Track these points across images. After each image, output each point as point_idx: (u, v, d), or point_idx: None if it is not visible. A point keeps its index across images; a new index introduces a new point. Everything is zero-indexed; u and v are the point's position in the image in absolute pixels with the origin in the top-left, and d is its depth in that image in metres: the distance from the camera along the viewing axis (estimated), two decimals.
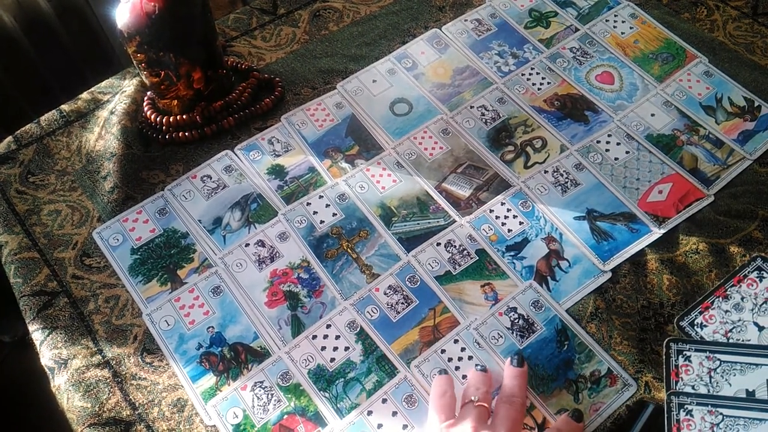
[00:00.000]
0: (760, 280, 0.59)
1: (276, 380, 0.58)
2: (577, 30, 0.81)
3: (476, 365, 0.57)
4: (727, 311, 0.59)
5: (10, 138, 0.75)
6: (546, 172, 0.70)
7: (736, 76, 0.76)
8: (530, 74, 0.77)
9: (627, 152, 0.71)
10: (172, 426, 0.56)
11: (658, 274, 0.62)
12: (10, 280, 0.66)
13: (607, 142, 0.72)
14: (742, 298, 0.59)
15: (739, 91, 0.75)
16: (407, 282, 0.63)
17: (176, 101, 0.71)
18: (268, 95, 0.75)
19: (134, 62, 0.68)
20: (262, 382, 0.58)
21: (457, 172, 0.70)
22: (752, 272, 0.60)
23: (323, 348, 0.60)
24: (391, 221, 0.67)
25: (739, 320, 0.58)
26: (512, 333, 0.60)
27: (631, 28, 0.81)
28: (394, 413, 0.56)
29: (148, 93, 0.74)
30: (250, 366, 0.59)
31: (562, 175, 0.70)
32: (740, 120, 0.73)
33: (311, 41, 0.81)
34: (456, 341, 0.59)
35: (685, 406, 0.53)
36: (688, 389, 0.54)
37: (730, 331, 0.58)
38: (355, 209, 0.68)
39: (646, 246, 0.64)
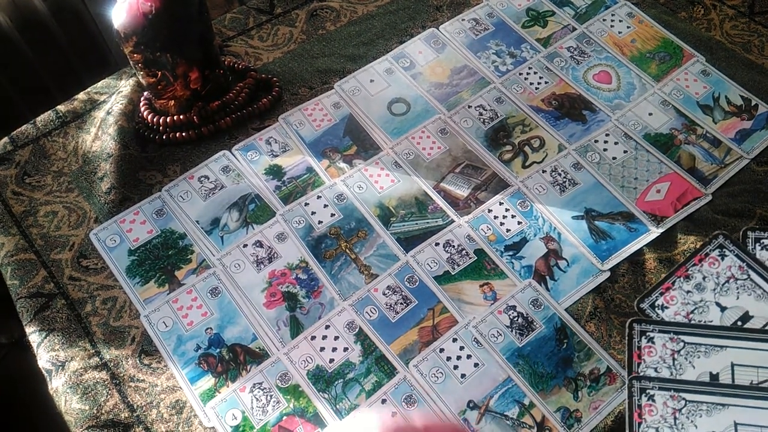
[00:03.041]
0: (722, 258, 0.58)
1: (275, 381, 0.58)
2: (574, 29, 0.81)
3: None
4: (688, 291, 0.57)
5: (6, 139, 0.74)
6: (544, 171, 0.70)
7: (733, 75, 0.76)
8: (528, 74, 0.77)
9: (625, 151, 0.71)
10: (171, 428, 0.56)
11: (656, 273, 0.62)
12: (7, 282, 0.66)
13: (605, 142, 0.72)
14: (704, 278, 0.57)
15: (736, 90, 0.75)
16: (406, 282, 0.63)
17: (173, 101, 0.71)
18: (266, 95, 0.75)
19: (131, 62, 0.68)
20: (261, 383, 0.58)
21: (455, 172, 0.70)
22: (714, 250, 0.58)
23: (322, 349, 0.59)
24: (390, 221, 0.67)
25: (701, 300, 0.57)
26: (511, 331, 0.60)
27: (628, 27, 0.81)
28: (394, 413, 0.56)
29: (145, 93, 0.74)
30: (248, 367, 0.59)
31: (560, 174, 0.70)
32: (737, 119, 0.73)
33: (308, 41, 0.81)
34: (455, 340, 0.59)
35: (647, 391, 0.51)
36: (651, 372, 0.52)
37: (692, 312, 0.56)
38: (353, 209, 0.68)
39: (644, 245, 0.64)
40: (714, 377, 0.51)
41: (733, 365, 0.52)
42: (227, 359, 0.59)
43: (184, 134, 0.72)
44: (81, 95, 0.77)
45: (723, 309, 0.56)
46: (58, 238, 0.67)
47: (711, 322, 0.55)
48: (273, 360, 0.59)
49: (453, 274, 0.63)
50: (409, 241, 0.65)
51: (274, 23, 0.83)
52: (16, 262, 0.66)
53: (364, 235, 0.66)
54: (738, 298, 0.57)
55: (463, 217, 0.67)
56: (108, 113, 0.74)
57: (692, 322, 0.55)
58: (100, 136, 0.73)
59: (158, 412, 0.57)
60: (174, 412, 0.57)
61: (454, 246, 0.65)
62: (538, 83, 0.77)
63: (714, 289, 0.57)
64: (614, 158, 0.70)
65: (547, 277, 0.63)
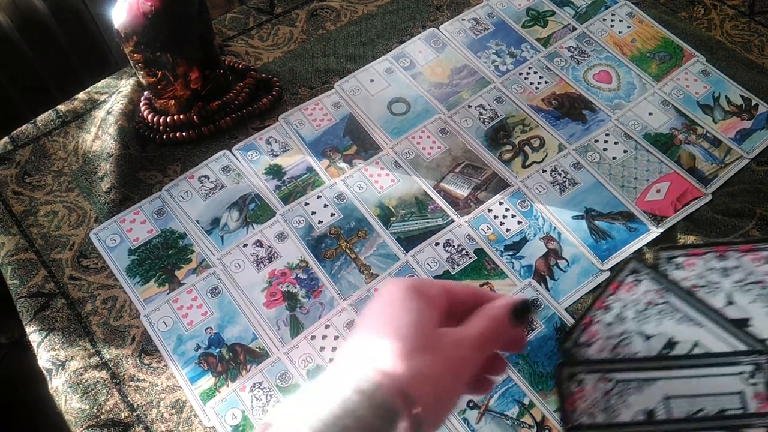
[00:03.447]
0: (637, 284, 0.53)
1: (275, 381, 0.58)
2: (574, 29, 0.81)
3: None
4: (609, 324, 0.53)
5: (6, 138, 0.74)
6: (544, 171, 0.70)
7: (733, 74, 0.76)
8: (528, 73, 0.77)
9: (625, 151, 0.71)
10: (171, 427, 0.56)
11: None
12: (7, 282, 0.66)
13: (605, 141, 0.72)
14: (624, 306, 0.53)
15: (736, 90, 0.75)
16: None
17: (173, 101, 0.71)
18: (266, 95, 0.75)
19: (131, 62, 0.68)
20: (261, 383, 0.58)
21: (455, 172, 0.70)
22: (628, 276, 0.53)
23: (322, 348, 0.59)
24: (390, 221, 0.67)
25: (623, 332, 0.52)
26: None
27: (628, 27, 0.81)
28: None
29: (145, 93, 0.74)
30: (248, 367, 0.59)
31: (560, 174, 0.70)
32: (738, 119, 0.73)
33: (308, 41, 0.81)
34: None
35: None
36: (585, 419, 0.48)
37: (617, 345, 0.52)
38: (353, 209, 0.68)
39: (644, 245, 0.64)
40: (650, 414, 0.48)
41: (668, 398, 0.49)
42: (227, 359, 0.59)
43: (184, 134, 0.72)
44: (81, 95, 0.77)
45: (647, 338, 0.53)
46: (59, 237, 0.67)
47: (638, 353, 0.51)
48: (273, 360, 0.59)
49: (453, 273, 0.63)
50: (409, 241, 0.65)
51: (275, 23, 0.83)
52: (16, 262, 0.66)
53: (364, 235, 0.66)
54: (660, 324, 0.53)
55: (463, 216, 0.67)
56: (108, 113, 0.74)
57: (619, 356, 0.51)
58: (100, 135, 0.73)
59: (158, 412, 0.57)
60: (174, 411, 0.57)
61: (454, 246, 0.65)
62: (538, 83, 0.77)
63: (635, 318, 0.54)
64: (614, 158, 0.71)
65: (547, 277, 0.63)
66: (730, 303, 0.53)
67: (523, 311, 0.36)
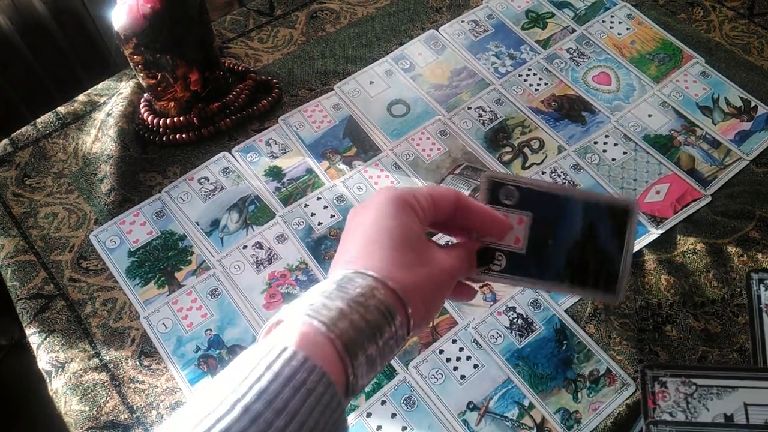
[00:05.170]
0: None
1: None
2: (573, 31, 0.81)
3: None
4: None
5: (6, 140, 0.74)
6: (544, 173, 0.70)
7: (732, 76, 0.76)
8: (527, 75, 0.77)
9: (624, 153, 0.71)
10: None
11: (656, 275, 0.62)
12: (7, 283, 0.66)
13: (605, 143, 0.72)
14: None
15: (735, 92, 0.75)
16: None
17: (173, 103, 0.71)
18: (266, 97, 0.75)
19: (131, 64, 0.68)
20: None
21: (455, 174, 0.70)
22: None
23: None
24: None
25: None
26: (511, 332, 0.60)
27: (627, 29, 0.81)
28: (393, 415, 0.56)
29: (145, 95, 0.74)
30: None
31: (559, 176, 0.70)
32: (737, 120, 0.73)
33: (308, 43, 0.81)
34: (454, 341, 0.59)
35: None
36: (666, 416, 0.52)
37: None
38: None
39: (643, 246, 0.64)
40: (729, 418, 0.52)
41: (747, 405, 0.52)
42: (227, 360, 0.59)
43: (184, 136, 0.72)
44: (81, 97, 0.77)
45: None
46: (58, 239, 0.67)
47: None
48: None
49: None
50: None
51: (274, 25, 0.83)
52: (16, 264, 0.66)
53: None
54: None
55: None
56: (108, 115, 0.74)
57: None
58: (100, 137, 0.73)
59: (158, 414, 0.57)
60: (173, 413, 0.57)
61: None
62: (538, 85, 0.77)
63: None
64: (614, 159, 0.71)
65: None
66: None
67: (483, 259, 0.41)
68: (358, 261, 0.36)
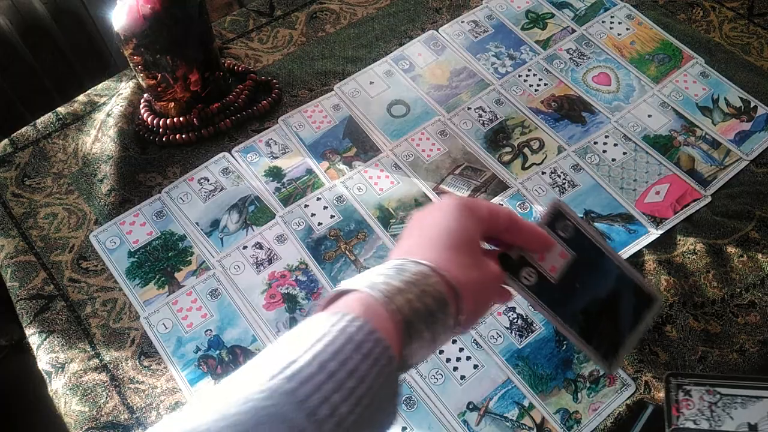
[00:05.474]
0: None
1: None
2: (573, 31, 0.82)
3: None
4: None
5: (6, 141, 0.74)
6: (543, 173, 0.70)
7: (732, 76, 0.76)
8: (527, 76, 0.77)
9: (624, 153, 0.71)
10: None
11: (656, 275, 0.62)
12: (7, 284, 0.66)
13: (605, 143, 0.72)
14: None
15: (735, 92, 0.75)
16: None
17: (173, 103, 0.71)
18: (266, 97, 0.75)
19: (131, 64, 0.68)
20: None
21: (454, 174, 0.70)
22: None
23: None
24: (389, 223, 0.67)
25: None
26: (511, 332, 0.60)
27: (627, 29, 0.81)
28: None
29: (145, 95, 0.74)
30: None
31: (559, 176, 0.70)
32: (737, 120, 0.73)
33: (308, 43, 0.81)
34: (454, 341, 0.59)
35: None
36: (690, 424, 0.52)
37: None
38: (353, 211, 0.68)
39: (643, 247, 0.64)
40: (753, 427, 0.52)
41: None
42: (227, 361, 0.59)
43: (184, 136, 0.72)
44: (81, 97, 0.77)
45: None
46: (58, 239, 0.67)
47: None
48: None
49: None
50: None
51: (274, 25, 0.83)
52: (16, 264, 0.66)
53: (363, 237, 0.66)
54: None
55: None
56: (108, 115, 0.74)
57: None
58: (100, 138, 0.73)
59: (158, 414, 0.57)
60: (172, 413, 0.57)
61: None
62: (538, 85, 0.77)
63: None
64: (614, 160, 0.71)
65: None
66: None
67: (505, 263, 0.43)
68: (414, 253, 0.38)
